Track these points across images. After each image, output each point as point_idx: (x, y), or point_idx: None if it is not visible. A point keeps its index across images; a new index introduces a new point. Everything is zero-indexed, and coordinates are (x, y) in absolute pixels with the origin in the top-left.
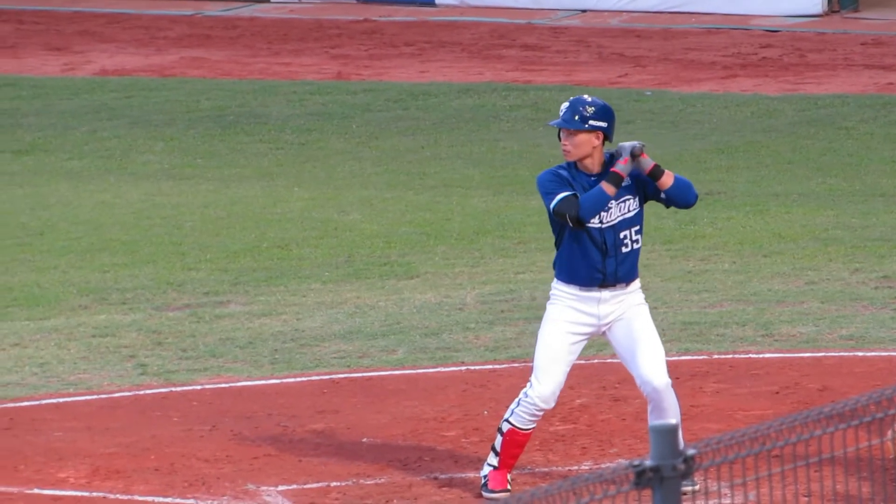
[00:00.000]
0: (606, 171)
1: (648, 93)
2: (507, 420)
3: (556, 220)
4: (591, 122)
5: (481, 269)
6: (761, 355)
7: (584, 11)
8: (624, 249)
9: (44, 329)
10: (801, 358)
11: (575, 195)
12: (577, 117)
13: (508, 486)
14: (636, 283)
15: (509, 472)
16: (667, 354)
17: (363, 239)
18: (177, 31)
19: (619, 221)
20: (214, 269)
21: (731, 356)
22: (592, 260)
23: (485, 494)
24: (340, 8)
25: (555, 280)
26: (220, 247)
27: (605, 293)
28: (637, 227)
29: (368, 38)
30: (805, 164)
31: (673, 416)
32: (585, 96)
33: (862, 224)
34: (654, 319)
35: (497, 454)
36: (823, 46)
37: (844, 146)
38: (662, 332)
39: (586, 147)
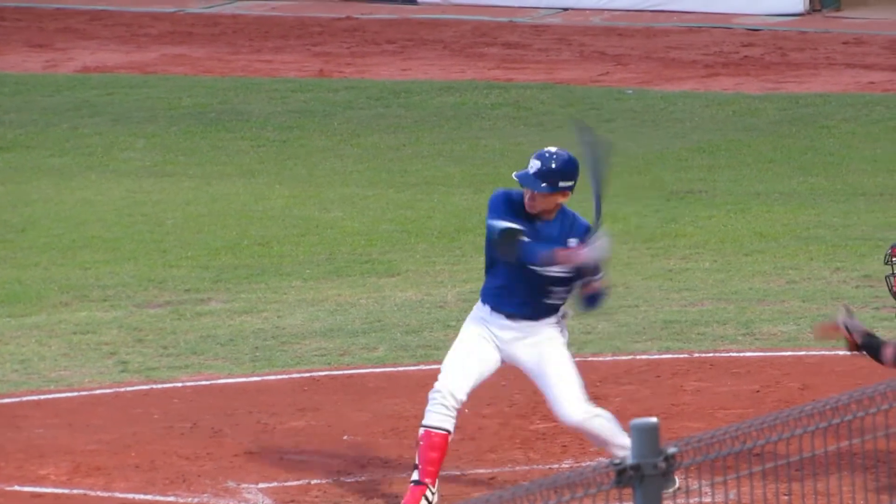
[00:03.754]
0: (558, 218)
1: (630, 91)
2: (421, 426)
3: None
4: (560, 184)
5: (462, 266)
6: (742, 354)
7: (565, 10)
8: (545, 300)
9: (24, 326)
10: (782, 357)
11: (521, 230)
12: (546, 183)
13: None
14: (549, 320)
15: (433, 484)
16: (648, 353)
17: (344, 236)
18: (158, 29)
19: (555, 277)
20: (195, 267)
21: (711, 355)
22: (514, 294)
23: None
24: (322, 5)
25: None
26: (201, 244)
27: (511, 322)
28: (568, 288)
29: (350, 35)
30: (786, 163)
31: (606, 441)
32: (553, 156)
33: (843, 223)
34: (636, 318)
35: (416, 466)
36: (805, 45)
37: (826, 145)
38: (643, 331)
39: (551, 204)
